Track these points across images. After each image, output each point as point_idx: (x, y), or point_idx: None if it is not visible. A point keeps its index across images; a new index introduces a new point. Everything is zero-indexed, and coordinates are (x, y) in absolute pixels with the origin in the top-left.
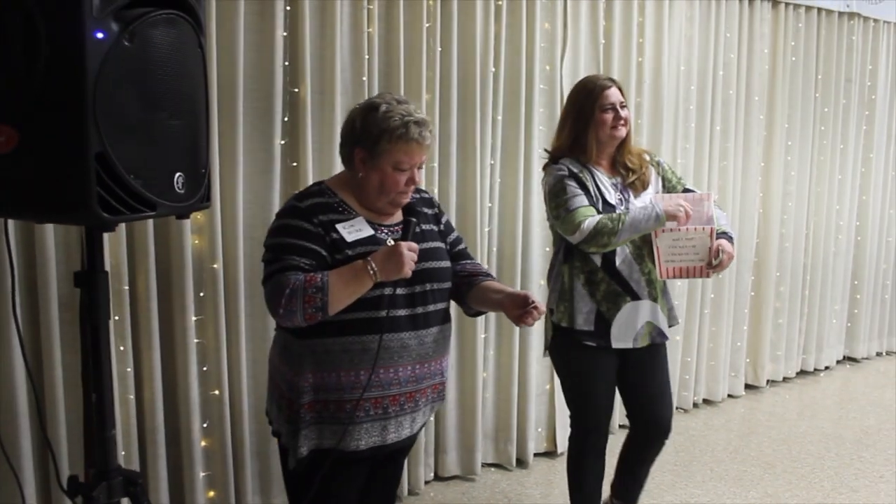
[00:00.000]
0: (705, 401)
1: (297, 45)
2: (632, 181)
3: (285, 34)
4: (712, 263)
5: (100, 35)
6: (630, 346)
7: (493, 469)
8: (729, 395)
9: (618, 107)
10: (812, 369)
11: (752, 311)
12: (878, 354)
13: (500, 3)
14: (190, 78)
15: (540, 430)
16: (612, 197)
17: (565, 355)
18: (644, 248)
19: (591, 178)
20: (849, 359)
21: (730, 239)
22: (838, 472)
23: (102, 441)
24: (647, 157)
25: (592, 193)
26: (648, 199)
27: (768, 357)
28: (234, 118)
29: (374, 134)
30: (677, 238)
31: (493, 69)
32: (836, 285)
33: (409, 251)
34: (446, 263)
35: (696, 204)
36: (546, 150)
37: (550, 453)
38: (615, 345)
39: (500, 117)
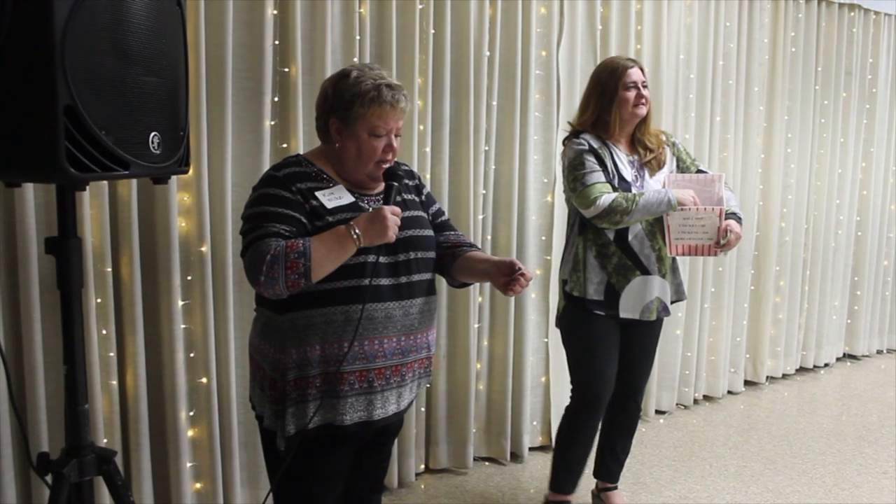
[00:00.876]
0: (705, 397)
1: (287, 25)
2: (648, 160)
3: (275, 13)
4: (720, 243)
5: None
6: (637, 317)
7: (486, 463)
8: (729, 392)
9: (640, 85)
10: (812, 366)
11: (751, 305)
12: (879, 352)
13: None
14: (167, 35)
15: (535, 423)
16: (629, 174)
17: (575, 324)
18: (656, 225)
19: (609, 155)
20: (849, 356)
21: (738, 220)
22: (840, 467)
23: (74, 415)
24: (664, 138)
25: (609, 170)
26: (663, 179)
27: (768, 353)
28: (223, 98)
29: (347, 100)
30: (688, 217)
31: (488, 53)
32: (835, 281)
33: (393, 215)
34: (429, 232)
35: (707, 185)
36: (569, 123)
37: (546, 447)
38: (623, 314)
39: (494, 102)
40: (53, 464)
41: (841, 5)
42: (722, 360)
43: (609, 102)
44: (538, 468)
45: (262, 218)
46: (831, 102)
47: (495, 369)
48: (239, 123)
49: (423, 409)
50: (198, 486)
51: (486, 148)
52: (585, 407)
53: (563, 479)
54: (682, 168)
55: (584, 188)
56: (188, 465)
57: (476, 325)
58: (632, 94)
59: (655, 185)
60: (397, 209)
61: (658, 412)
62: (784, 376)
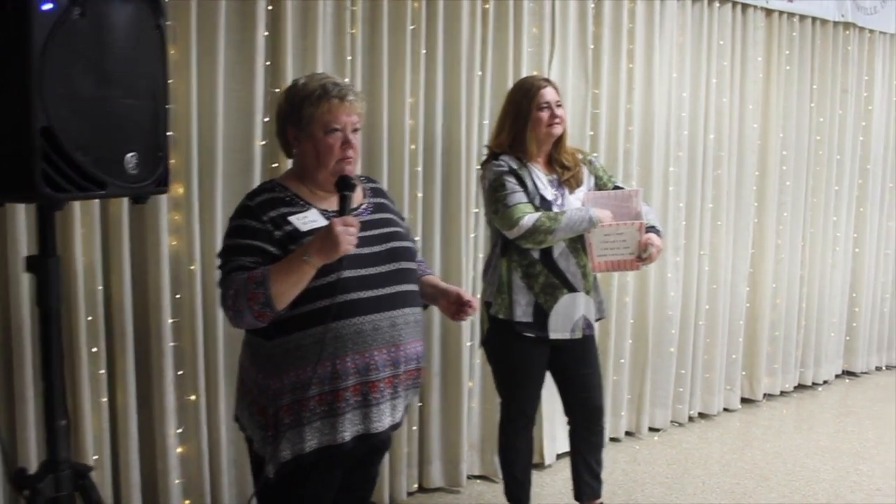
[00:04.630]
0: (700, 414)
1: (278, 45)
2: (567, 178)
3: (266, 34)
4: (642, 256)
5: (47, 6)
6: (567, 336)
7: (478, 481)
8: (725, 409)
9: (553, 105)
10: (810, 383)
11: (747, 322)
12: (878, 369)
13: (486, 5)
14: (147, 58)
15: None
16: (549, 193)
17: (502, 346)
18: (579, 241)
19: (528, 175)
20: (847, 373)
21: (657, 232)
22: (833, 484)
23: (51, 431)
24: (580, 156)
25: (530, 190)
26: (581, 197)
27: (765, 370)
28: (214, 118)
29: (297, 104)
30: (608, 233)
31: (480, 73)
32: (833, 297)
33: (345, 226)
34: (410, 244)
35: (625, 200)
36: (486, 147)
37: (538, 465)
38: (553, 335)
39: (486, 122)
40: (30, 479)
41: (836, 24)
42: (717, 378)
43: (524, 123)
44: (531, 486)
45: (232, 251)
46: (826, 120)
47: (488, 387)
48: (229, 142)
49: (415, 427)
50: (186, 502)
51: (478, 167)
52: (515, 422)
53: (516, 492)
54: (599, 185)
55: (507, 209)
56: (177, 481)
57: (468, 343)
58: (545, 114)
59: (575, 203)
60: (350, 219)
61: (652, 429)
62: (782, 393)
